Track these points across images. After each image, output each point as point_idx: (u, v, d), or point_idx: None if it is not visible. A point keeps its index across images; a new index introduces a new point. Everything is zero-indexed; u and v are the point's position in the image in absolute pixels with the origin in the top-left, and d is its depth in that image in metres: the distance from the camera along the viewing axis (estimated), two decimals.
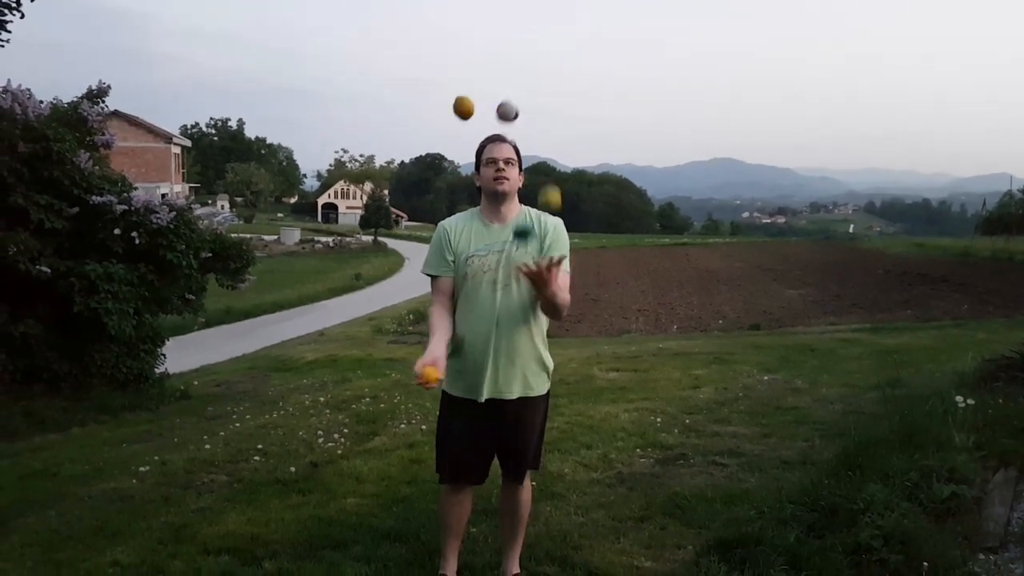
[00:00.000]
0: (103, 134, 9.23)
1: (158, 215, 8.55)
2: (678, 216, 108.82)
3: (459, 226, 2.53)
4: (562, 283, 2.37)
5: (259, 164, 76.49)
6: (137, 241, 8.44)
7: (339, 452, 4.74)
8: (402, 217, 74.98)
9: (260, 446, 5.01)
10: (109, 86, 9.49)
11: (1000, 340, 7.81)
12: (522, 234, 2.37)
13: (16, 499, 4.43)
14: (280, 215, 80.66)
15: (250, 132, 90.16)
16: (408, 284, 27.98)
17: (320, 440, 5.09)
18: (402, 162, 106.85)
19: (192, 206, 10.20)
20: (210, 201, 62.21)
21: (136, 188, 9.33)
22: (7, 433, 6.94)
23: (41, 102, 8.32)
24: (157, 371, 9.45)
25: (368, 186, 67.76)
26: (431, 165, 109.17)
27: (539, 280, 2.27)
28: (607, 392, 6.62)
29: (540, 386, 2.56)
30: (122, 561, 3.10)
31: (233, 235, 10.85)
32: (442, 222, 2.59)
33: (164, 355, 9.59)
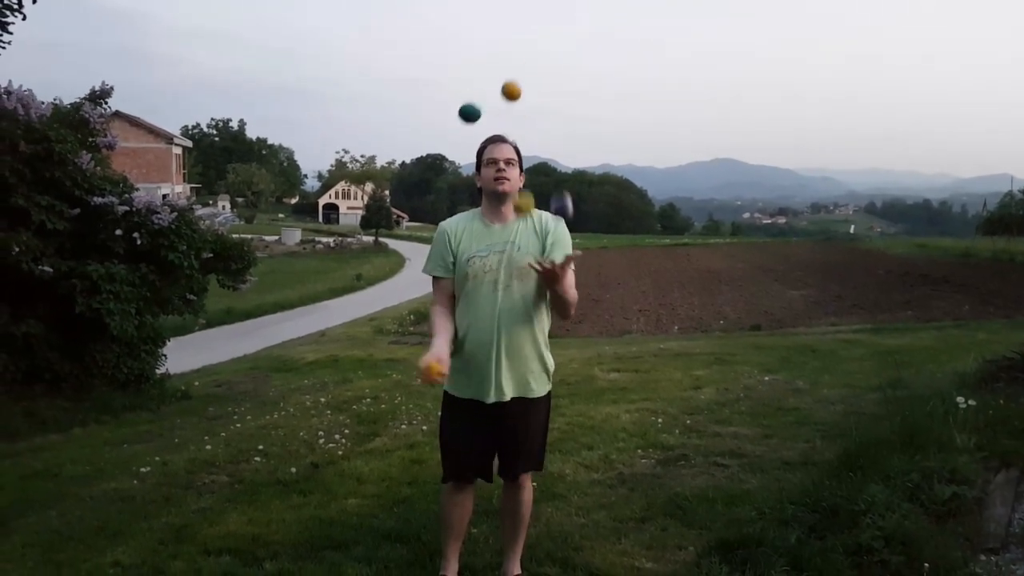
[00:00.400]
0: (105, 135, 9.23)
1: (159, 216, 8.56)
2: (679, 216, 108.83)
3: (460, 227, 2.53)
4: (569, 280, 2.40)
5: (260, 164, 76.60)
6: (138, 242, 8.45)
7: (340, 453, 4.75)
8: (403, 218, 75.01)
9: (261, 447, 5.01)
10: (112, 87, 9.48)
11: (1001, 341, 7.80)
12: (468, 116, 2.35)
13: (17, 499, 4.43)
14: (281, 215, 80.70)
15: (251, 132, 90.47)
16: (409, 284, 27.99)
17: (321, 441, 5.09)
18: (403, 162, 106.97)
19: (193, 207, 10.20)
20: (211, 202, 62.27)
21: (137, 189, 9.33)
22: (8, 433, 6.94)
23: (42, 103, 8.32)
24: (158, 371, 9.46)
25: (369, 186, 67.75)
26: (432, 166, 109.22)
27: (551, 277, 2.29)
28: (608, 393, 6.62)
29: (542, 387, 2.56)
30: (123, 561, 3.10)
31: (234, 235, 10.85)
32: (442, 223, 2.59)
33: (165, 355, 9.59)
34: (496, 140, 2.51)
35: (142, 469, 4.67)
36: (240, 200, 69.58)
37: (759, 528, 2.80)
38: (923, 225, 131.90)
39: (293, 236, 49.61)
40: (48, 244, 7.95)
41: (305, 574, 2.86)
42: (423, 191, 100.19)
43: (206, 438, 5.58)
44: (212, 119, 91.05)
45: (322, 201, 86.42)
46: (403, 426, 5.48)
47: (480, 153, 2.52)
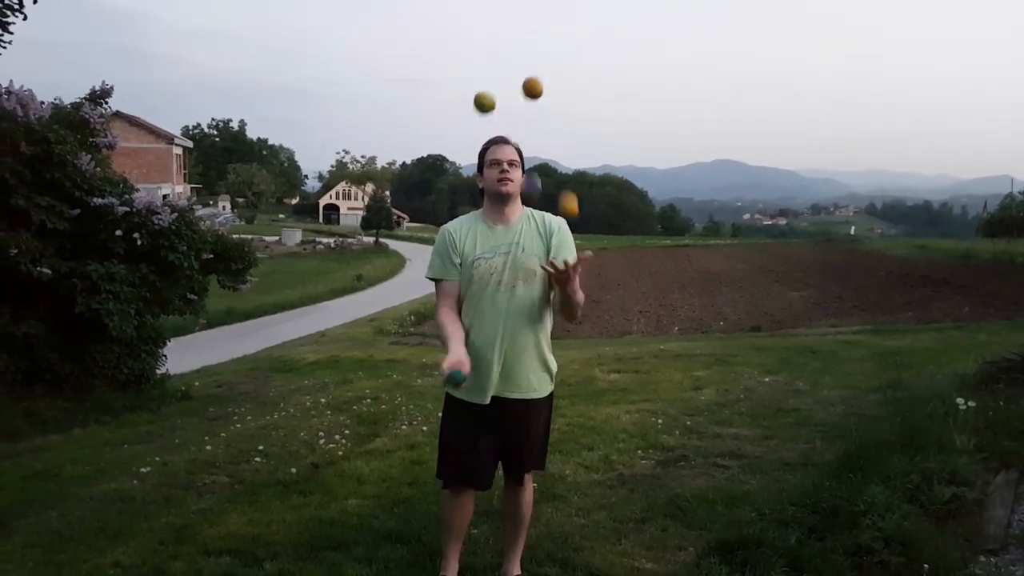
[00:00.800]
0: (105, 136, 9.23)
1: (160, 216, 8.55)
2: (679, 217, 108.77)
3: (463, 229, 2.52)
4: (578, 281, 2.41)
5: (260, 165, 76.57)
6: (139, 242, 8.44)
7: (340, 453, 4.75)
8: (403, 218, 75.01)
9: (261, 447, 5.02)
10: (112, 87, 9.48)
11: (1001, 342, 7.81)
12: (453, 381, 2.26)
13: (17, 500, 4.43)
14: (282, 216, 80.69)
15: (251, 132, 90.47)
16: (409, 285, 28.01)
17: (321, 441, 5.09)
18: (403, 163, 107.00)
19: (194, 207, 10.20)
20: (212, 202, 62.28)
21: (137, 189, 9.33)
22: (9, 434, 6.93)
23: (42, 103, 8.32)
24: (158, 372, 9.45)
25: (369, 187, 67.83)
26: (432, 166, 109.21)
27: (562, 278, 2.30)
28: (608, 393, 6.62)
29: (544, 388, 2.56)
30: (123, 562, 3.11)
31: (235, 236, 10.85)
32: (445, 225, 2.58)
33: (165, 356, 9.59)
34: (499, 141, 2.50)
35: (142, 469, 4.67)
36: (240, 200, 69.59)
37: (759, 529, 2.80)
38: (923, 226, 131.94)
39: (293, 237, 49.62)
40: (48, 245, 7.95)
41: (305, 574, 2.86)
42: (424, 192, 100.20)
43: (206, 438, 5.58)
44: (212, 119, 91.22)
45: (323, 202, 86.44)
46: (403, 427, 5.47)
47: (482, 154, 2.51)
